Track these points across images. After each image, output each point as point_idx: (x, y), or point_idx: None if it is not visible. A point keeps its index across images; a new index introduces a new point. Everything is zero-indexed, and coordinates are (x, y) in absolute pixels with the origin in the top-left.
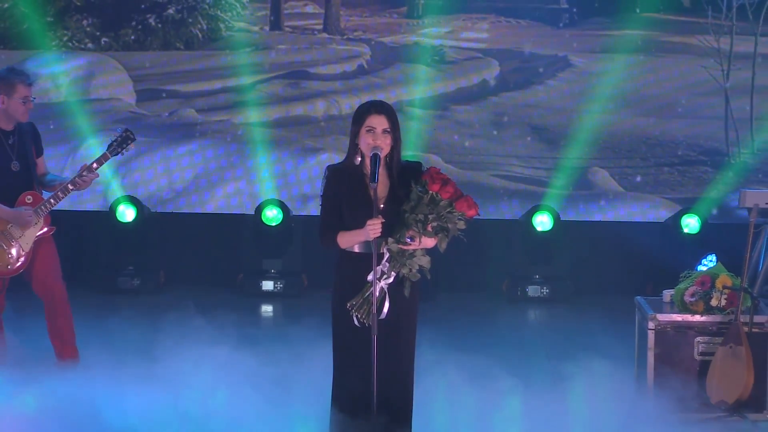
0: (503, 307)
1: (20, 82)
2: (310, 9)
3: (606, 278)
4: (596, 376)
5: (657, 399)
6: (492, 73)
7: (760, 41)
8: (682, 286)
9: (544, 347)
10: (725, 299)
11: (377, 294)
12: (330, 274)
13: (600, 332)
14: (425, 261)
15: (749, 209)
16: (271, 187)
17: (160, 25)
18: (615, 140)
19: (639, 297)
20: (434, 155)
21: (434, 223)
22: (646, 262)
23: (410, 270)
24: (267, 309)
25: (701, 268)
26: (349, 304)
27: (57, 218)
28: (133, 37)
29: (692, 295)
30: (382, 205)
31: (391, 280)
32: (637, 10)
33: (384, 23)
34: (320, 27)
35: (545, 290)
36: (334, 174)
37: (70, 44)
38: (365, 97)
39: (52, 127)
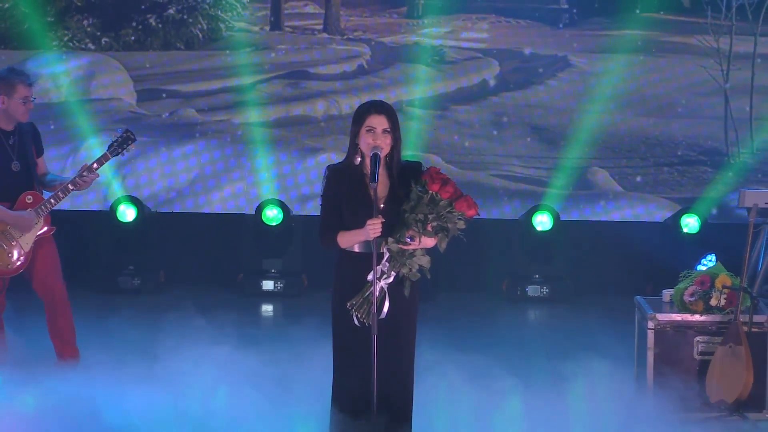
0: (503, 307)
1: (20, 83)
2: (310, 9)
3: (606, 278)
4: (596, 376)
5: (657, 399)
6: (492, 73)
7: (759, 41)
8: (681, 285)
9: (544, 347)
10: (725, 299)
11: (377, 294)
12: (330, 274)
13: (600, 332)
14: (425, 261)
15: (749, 209)
16: (270, 187)
17: (160, 26)
18: (615, 140)
19: (639, 297)
20: (434, 155)
21: (434, 223)
22: (645, 262)
23: (410, 270)
24: (267, 309)
25: (701, 267)
26: (349, 304)
27: (57, 218)
28: (133, 38)
29: (692, 295)
30: (382, 205)
31: (391, 279)
32: (637, 10)
33: (384, 23)
34: (320, 27)
35: (545, 290)
36: (334, 174)
37: (71, 44)
38: (365, 97)
39: (52, 127)
